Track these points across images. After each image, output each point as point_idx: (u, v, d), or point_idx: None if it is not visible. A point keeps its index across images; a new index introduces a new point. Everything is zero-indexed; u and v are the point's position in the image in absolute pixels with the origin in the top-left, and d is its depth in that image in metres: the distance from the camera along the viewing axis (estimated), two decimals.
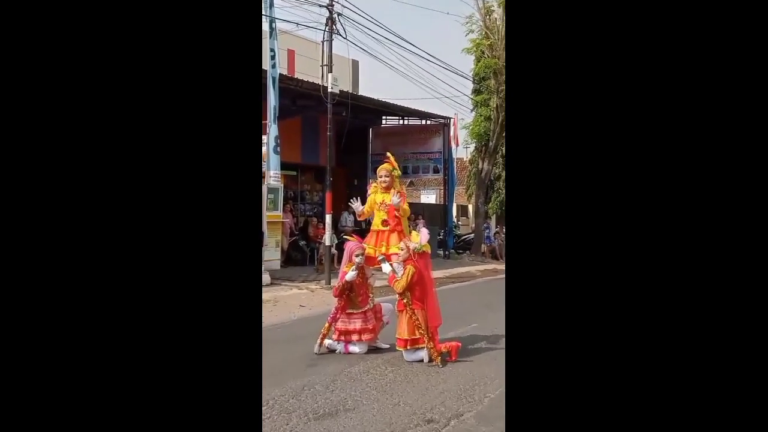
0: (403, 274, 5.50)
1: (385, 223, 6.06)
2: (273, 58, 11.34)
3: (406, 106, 16.76)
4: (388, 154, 6.49)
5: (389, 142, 18.37)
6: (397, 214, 6.00)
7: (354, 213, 16.07)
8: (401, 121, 18.47)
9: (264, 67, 11.23)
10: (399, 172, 6.39)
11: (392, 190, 6.12)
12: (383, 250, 5.89)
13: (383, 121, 18.66)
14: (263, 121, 11.35)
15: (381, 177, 6.24)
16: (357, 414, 4.11)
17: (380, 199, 6.17)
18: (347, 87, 15.99)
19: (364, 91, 18.31)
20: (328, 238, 11.61)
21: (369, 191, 6.46)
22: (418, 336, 5.46)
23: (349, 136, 15.19)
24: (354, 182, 18.68)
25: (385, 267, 5.69)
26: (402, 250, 5.63)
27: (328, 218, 11.78)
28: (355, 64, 19.37)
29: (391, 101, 16.01)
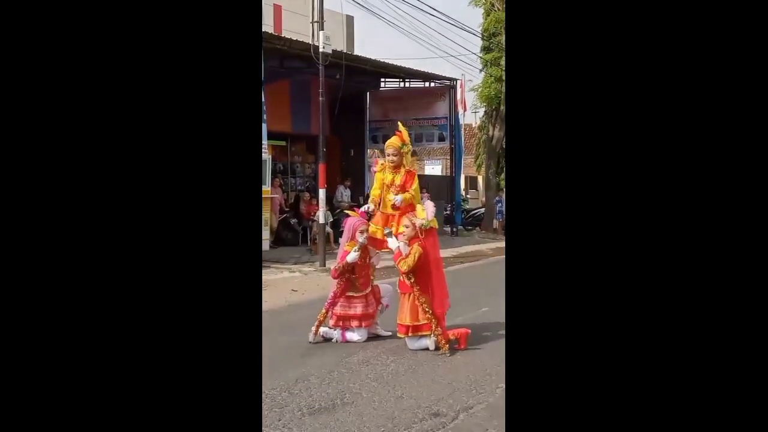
0: (410, 252, 5.51)
1: (395, 207, 5.99)
2: None
3: (407, 66, 16.68)
4: (400, 125, 6.35)
5: (389, 107, 18.32)
6: (401, 204, 5.92)
7: (350, 187, 16.01)
8: (402, 84, 18.38)
9: None
10: (410, 147, 6.25)
11: (402, 169, 6.03)
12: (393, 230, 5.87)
13: (382, 84, 18.58)
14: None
15: (388, 155, 6.09)
16: (355, 408, 4.16)
17: (389, 179, 6.05)
18: (341, 46, 15.90)
19: (360, 50, 18.24)
20: (321, 215, 11.63)
21: (375, 169, 6.37)
22: (422, 322, 5.49)
23: (344, 101, 15.14)
24: (350, 153, 18.66)
25: (392, 242, 5.66)
26: (407, 227, 5.63)
27: (321, 193, 11.78)
28: (349, 20, 19.24)
29: (391, 61, 15.92)
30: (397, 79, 18.08)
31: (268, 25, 13.68)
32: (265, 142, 11.69)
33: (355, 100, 17.42)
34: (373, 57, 15.38)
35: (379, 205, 6.14)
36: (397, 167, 6.05)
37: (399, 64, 16.20)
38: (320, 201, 11.82)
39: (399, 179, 5.97)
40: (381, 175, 6.13)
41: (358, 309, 5.84)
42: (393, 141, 6.11)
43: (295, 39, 13.03)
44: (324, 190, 11.82)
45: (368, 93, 18.57)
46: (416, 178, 6.12)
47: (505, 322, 6.57)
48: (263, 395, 4.35)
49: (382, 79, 18.24)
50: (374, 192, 6.20)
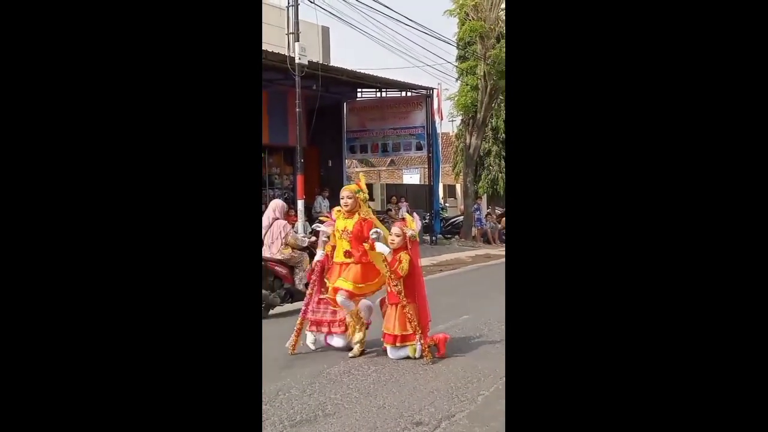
0: (401, 259, 5.51)
1: (348, 254, 5.71)
2: None
3: (383, 77, 16.75)
4: (360, 174, 6.25)
5: (366, 117, 18.38)
6: (367, 243, 5.60)
7: (329, 198, 16.00)
8: (379, 94, 18.44)
9: None
10: (365, 194, 5.98)
11: (356, 216, 5.74)
12: (347, 286, 5.57)
13: (359, 95, 18.62)
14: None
15: (342, 199, 5.81)
16: (338, 419, 4.13)
17: (341, 225, 5.78)
18: (317, 57, 15.91)
19: (336, 61, 18.27)
20: (300, 226, 11.60)
21: (333, 215, 6.02)
22: (409, 331, 5.49)
23: (321, 112, 15.14)
24: (328, 163, 18.66)
25: (382, 247, 5.52)
26: (398, 236, 5.60)
27: (300, 204, 11.78)
28: (325, 32, 19.27)
29: (367, 72, 15.97)
30: (374, 89, 18.13)
31: None
32: None
33: (332, 110, 17.44)
34: (349, 67, 15.42)
35: (332, 255, 5.89)
36: (350, 212, 5.76)
37: (375, 74, 16.25)
38: (299, 212, 11.80)
39: (351, 225, 5.69)
40: (337, 222, 5.84)
41: (327, 315, 5.87)
42: (349, 186, 5.96)
43: (271, 51, 13.02)
44: (302, 200, 11.80)
45: (345, 103, 18.61)
46: (373, 226, 5.71)
47: (487, 328, 6.59)
48: None
49: (359, 90, 18.29)
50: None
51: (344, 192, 5.85)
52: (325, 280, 5.87)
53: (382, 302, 5.80)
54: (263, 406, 4.35)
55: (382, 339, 5.71)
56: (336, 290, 5.61)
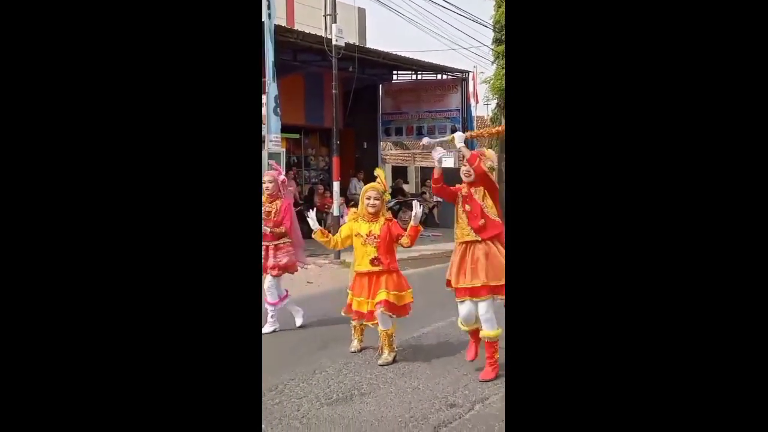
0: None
1: (375, 261, 5.09)
2: (269, 7, 11.28)
3: (419, 59, 16.68)
4: (377, 171, 5.38)
5: (401, 99, 18.32)
6: (404, 242, 5.08)
7: (363, 180, 16.04)
8: (414, 77, 18.37)
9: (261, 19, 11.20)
10: (388, 195, 5.40)
11: (381, 218, 5.14)
12: (380, 297, 5.00)
13: (394, 77, 18.58)
14: (263, 79, 11.36)
15: (369, 199, 5.15)
16: (373, 398, 4.21)
17: (365, 230, 5.11)
18: (353, 39, 15.91)
19: (372, 43, 18.25)
20: (336, 207, 11.68)
21: (346, 218, 5.51)
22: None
23: (357, 94, 15.14)
24: (363, 145, 18.68)
25: (459, 142, 4.91)
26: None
27: (335, 186, 11.83)
28: (361, 13, 19.23)
29: (403, 54, 15.93)
30: (410, 72, 18.07)
31: (280, 18, 13.69)
32: (278, 135, 11.72)
33: (367, 92, 17.43)
34: (385, 49, 15.39)
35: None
36: (375, 215, 5.15)
37: (411, 57, 16.19)
38: (334, 193, 11.87)
39: (378, 229, 5.08)
40: (351, 224, 5.29)
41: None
42: (375, 185, 5.23)
43: (307, 32, 13.05)
44: (338, 182, 11.86)
45: (381, 85, 18.57)
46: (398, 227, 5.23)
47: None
48: (282, 386, 4.41)
49: (395, 72, 18.23)
50: (339, 238, 5.35)
51: (371, 192, 5.17)
52: (348, 291, 5.34)
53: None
54: (300, 385, 4.46)
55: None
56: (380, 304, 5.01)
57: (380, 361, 4.99)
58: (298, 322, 6.32)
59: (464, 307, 4.72)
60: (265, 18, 11.22)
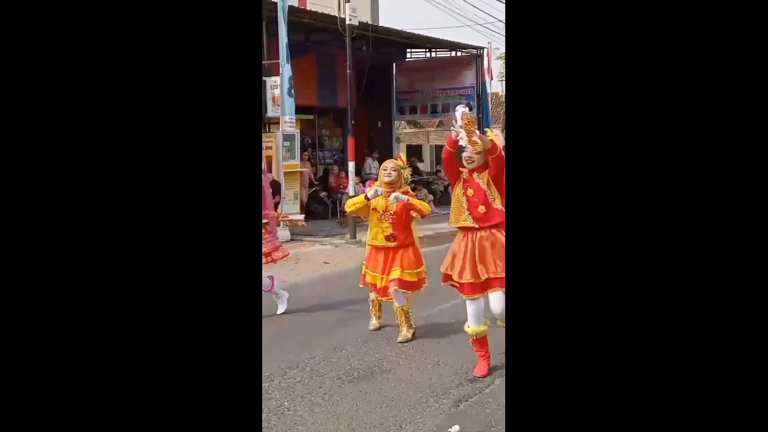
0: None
1: (391, 237, 5.11)
2: None
3: (433, 36, 16.58)
4: (398, 153, 5.46)
5: (415, 78, 18.27)
6: (412, 214, 5.06)
7: (378, 159, 16.05)
8: (428, 54, 18.28)
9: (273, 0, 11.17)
10: (408, 172, 5.38)
11: (398, 190, 5.09)
12: (396, 274, 5.03)
13: (408, 55, 18.49)
14: (276, 61, 11.36)
15: (386, 170, 5.15)
16: (394, 375, 4.26)
17: (382, 205, 5.09)
18: (366, 18, 15.83)
19: (385, 21, 18.15)
20: (351, 188, 11.70)
21: (367, 190, 5.33)
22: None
23: (371, 73, 15.12)
24: (378, 125, 18.67)
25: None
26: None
27: (350, 166, 11.84)
28: None
29: (416, 32, 15.84)
30: (423, 50, 17.98)
31: None
32: (293, 116, 11.73)
33: (381, 72, 17.38)
34: (398, 28, 15.32)
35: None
36: (392, 187, 5.09)
37: (425, 34, 16.10)
38: (350, 174, 11.89)
39: (394, 205, 5.04)
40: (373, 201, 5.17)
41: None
42: (394, 159, 5.39)
43: (321, 12, 13.01)
44: (353, 162, 11.87)
45: (394, 64, 18.50)
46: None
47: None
48: (303, 364, 4.47)
49: (408, 50, 18.14)
50: (361, 203, 5.20)
51: (388, 163, 5.23)
52: (362, 265, 5.42)
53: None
54: (321, 363, 4.51)
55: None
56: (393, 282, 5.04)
57: (399, 339, 5.04)
58: (281, 309, 6.05)
59: (476, 305, 4.30)
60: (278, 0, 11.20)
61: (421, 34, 15.93)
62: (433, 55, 18.21)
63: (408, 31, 15.52)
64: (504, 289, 4.09)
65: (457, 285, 4.32)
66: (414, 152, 20.89)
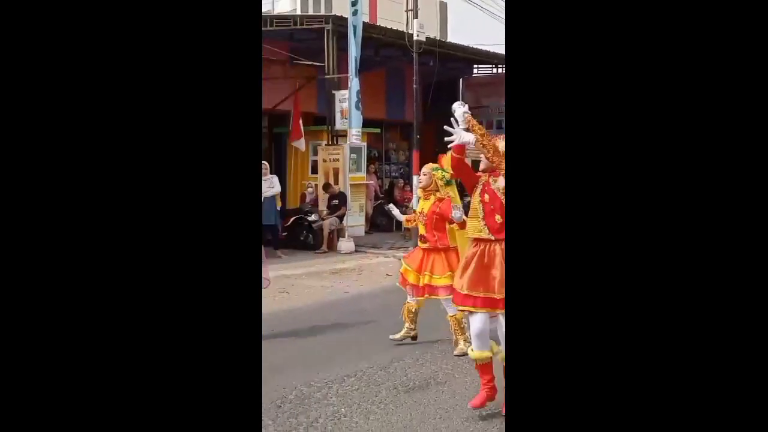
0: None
1: (422, 239, 5.22)
2: (354, 4, 11.44)
3: (499, 53, 16.56)
4: (442, 156, 5.17)
5: (482, 93, 18.23)
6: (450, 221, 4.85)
7: None
8: (495, 70, 18.26)
9: (344, 15, 11.40)
10: (444, 174, 5.11)
11: (432, 196, 5.15)
12: (426, 280, 5.08)
13: (475, 71, 18.51)
14: (345, 75, 11.57)
15: (420, 175, 5.35)
16: (449, 387, 4.32)
17: (420, 207, 5.35)
18: (434, 33, 15.95)
19: (453, 37, 18.21)
20: (415, 201, 11.79)
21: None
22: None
23: (438, 88, 15.20)
24: (443, 139, 18.70)
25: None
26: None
27: (415, 180, 11.93)
28: (443, 7, 19.25)
29: (484, 47, 15.88)
30: (491, 65, 17.97)
31: (364, 14, 13.90)
32: (360, 129, 11.90)
33: (448, 86, 17.43)
34: (466, 43, 15.38)
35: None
36: (427, 192, 5.21)
37: (492, 50, 16.11)
38: (414, 187, 11.99)
39: (427, 207, 5.14)
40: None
41: None
42: (430, 164, 5.31)
43: (389, 27, 13.20)
44: (417, 176, 11.95)
45: (461, 79, 18.53)
46: (450, 204, 4.92)
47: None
48: (360, 374, 4.57)
49: (475, 66, 18.17)
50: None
51: (424, 168, 5.29)
52: (402, 261, 5.53)
53: None
54: (378, 372, 4.60)
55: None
56: (433, 288, 5.05)
57: (456, 352, 5.06)
58: None
59: (478, 321, 3.85)
60: (350, 15, 11.41)
61: (488, 50, 15.94)
62: (500, 71, 18.17)
63: (475, 46, 15.56)
64: None
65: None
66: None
